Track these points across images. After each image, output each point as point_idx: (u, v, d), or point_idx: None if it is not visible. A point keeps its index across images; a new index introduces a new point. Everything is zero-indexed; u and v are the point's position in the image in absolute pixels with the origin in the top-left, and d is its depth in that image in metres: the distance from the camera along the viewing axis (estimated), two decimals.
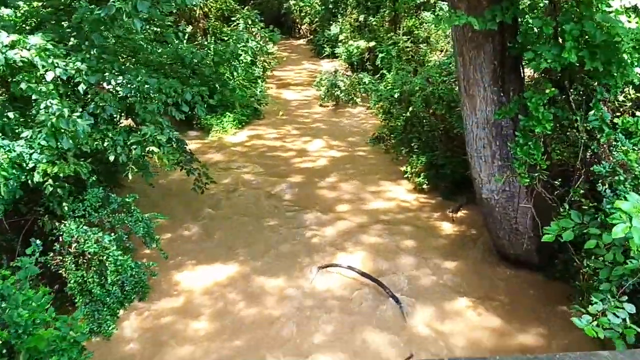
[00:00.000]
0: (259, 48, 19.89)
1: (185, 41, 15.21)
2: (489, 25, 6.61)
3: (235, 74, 9.54)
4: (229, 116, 15.88)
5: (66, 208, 7.95)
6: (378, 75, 18.88)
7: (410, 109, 12.16)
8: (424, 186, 11.95)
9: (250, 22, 22.08)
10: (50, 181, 7.21)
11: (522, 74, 7.94)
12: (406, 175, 12.44)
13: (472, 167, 8.58)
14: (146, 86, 8.17)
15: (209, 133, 15.66)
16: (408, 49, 18.71)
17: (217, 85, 9.70)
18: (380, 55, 18.00)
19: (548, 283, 8.77)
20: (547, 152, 8.12)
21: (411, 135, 12.97)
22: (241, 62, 9.93)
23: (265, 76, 21.15)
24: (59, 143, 6.91)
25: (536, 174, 7.27)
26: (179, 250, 9.68)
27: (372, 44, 20.80)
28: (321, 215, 11.01)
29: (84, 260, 7.31)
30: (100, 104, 7.83)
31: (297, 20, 30.75)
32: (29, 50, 6.79)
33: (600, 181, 6.63)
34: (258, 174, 12.98)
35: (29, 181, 7.09)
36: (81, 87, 7.45)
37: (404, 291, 8.62)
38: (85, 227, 7.57)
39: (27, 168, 6.99)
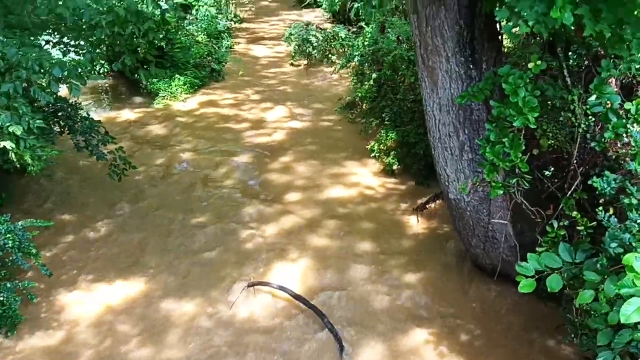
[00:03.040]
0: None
1: None
2: None
3: (139, 36, 7.30)
4: (179, 79, 13.71)
5: None
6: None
7: (374, 75, 9.97)
8: (394, 167, 9.94)
9: None
10: None
11: (500, 38, 5.80)
12: (373, 154, 10.40)
13: (435, 160, 6.56)
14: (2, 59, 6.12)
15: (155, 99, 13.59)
16: None
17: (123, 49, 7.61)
18: (356, 4, 15.54)
19: (533, 304, 6.86)
20: (532, 139, 6.10)
21: (383, 104, 10.86)
22: (155, 17, 7.73)
23: (233, 29, 18.90)
24: None
25: (514, 180, 5.23)
26: (76, 260, 7.79)
27: None
28: (264, 208, 9.05)
29: None
30: None
31: None
32: None
33: (601, 201, 4.59)
34: (200, 152, 10.95)
35: None
36: None
37: (349, 318, 6.73)
38: None
39: None
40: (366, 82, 11.50)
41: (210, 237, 8.30)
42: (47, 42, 8.03)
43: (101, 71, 13.25)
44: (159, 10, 8.25)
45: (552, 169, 6.14)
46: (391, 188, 9.66)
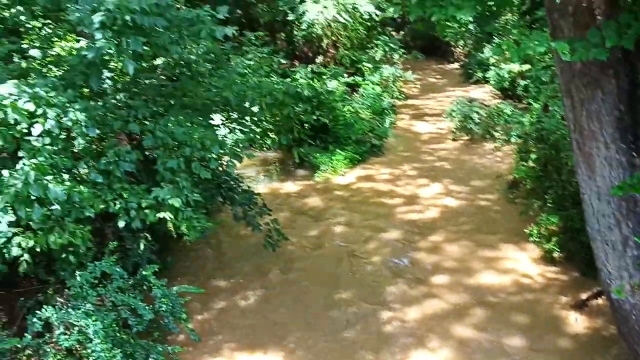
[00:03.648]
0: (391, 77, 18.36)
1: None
2: (594, 54, 4.12)
3: (294, 117, 7.73)
4: (340, 154, 14.15)
5: (79, 278, 6.83)
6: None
7: (533, 155, 9.43)
8: (554, 254, 9.16)
9: (388, 49, 20.58)
10: (26, 256, 6.04)
11: None
12: (533, 239, 9.68)
13: (594, 253, 5.90)
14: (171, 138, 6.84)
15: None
16: None
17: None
18: (522, 82, 15.00)
19: None
20: None
21: (547, 184, 10.18)
22: (309, 95, 8.13)
23: (397, 106, 19.27)
24: (27, 212, 5.73)
25: None
26: (225, 327, 8.12)
27: (525, 67, 17.85)
28: (408, 289, 8.79)
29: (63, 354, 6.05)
30: (113, 160, 6.63)
31: (452, 43, 28.44)
32: None
33: None
34: (351, 226, 11.04)
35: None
36: (78, 142, 6.29)
37: None
38: (83, 310, 6.30)
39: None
40: (528, 161, 10.91)
41: (351, 316, 8.22)
42: (225, 118, 8.83)
43: (269, 142, 14.11)
44: (314, 92, 8.73)
45: None
46: (551, 278, 8.87)
